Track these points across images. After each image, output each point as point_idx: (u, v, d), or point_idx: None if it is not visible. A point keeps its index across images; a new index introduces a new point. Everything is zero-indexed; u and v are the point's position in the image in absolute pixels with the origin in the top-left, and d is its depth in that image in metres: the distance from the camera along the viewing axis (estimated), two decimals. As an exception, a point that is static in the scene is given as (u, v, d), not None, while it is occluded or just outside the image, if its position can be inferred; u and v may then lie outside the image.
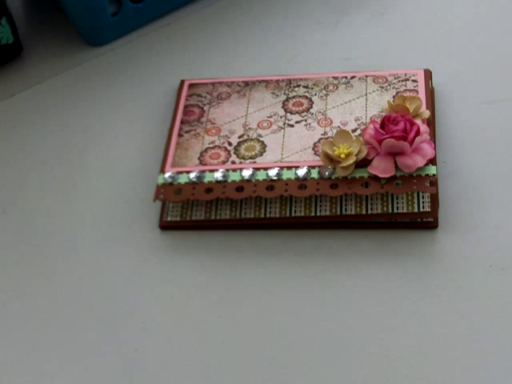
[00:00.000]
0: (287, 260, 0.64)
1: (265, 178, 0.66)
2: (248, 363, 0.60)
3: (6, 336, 0.63)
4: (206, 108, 0.72)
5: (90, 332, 0.62)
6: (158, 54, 0.81)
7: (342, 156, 0.64)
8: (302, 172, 0.65)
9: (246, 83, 0.74)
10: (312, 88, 0.72)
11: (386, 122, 0.64)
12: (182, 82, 0.76)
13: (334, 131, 0.68)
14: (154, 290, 0.64)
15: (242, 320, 0.62)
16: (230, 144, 0.69)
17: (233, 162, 0.67)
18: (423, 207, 0.64)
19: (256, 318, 0.62)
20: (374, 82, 0.71)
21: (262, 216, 0.66)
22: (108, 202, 0.70)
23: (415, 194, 0.64)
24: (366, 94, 0.70)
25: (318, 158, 0.66)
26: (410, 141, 0.63)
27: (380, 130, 0.64)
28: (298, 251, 0.65)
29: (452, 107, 0.72)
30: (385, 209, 0.64)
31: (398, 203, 0.64)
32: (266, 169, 0.66)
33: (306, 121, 0.69)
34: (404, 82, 0.70)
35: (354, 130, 0.67)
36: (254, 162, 0.67)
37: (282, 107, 0.71)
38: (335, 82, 0.72)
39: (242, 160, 0.67)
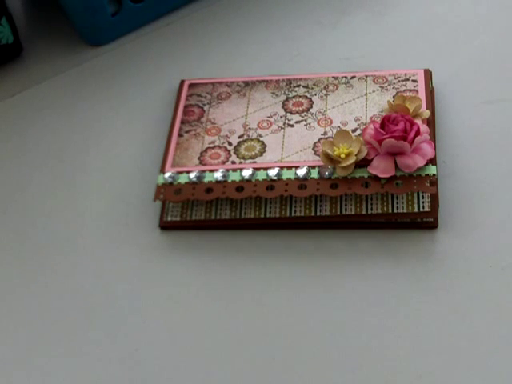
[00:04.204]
0: (287, 260, 0.64)
1: (265, 178, 0.66)
2: (248, 363, 0.60)
3: (6, 336, 0.63)
4: (205, 108, 0.73)
5: (90, 332, 0.62)
6: (158, 54, 0.81)
7: (342, 156, 0.64)
8: (301, 172, 0.65)
9: (246, 83, 0.74)
10: (312, 88, 0.72)
11: (386, 122, 0.64)
12: (182, 81, 0.76)
13: (334, 131, 0.68)
14: (154, 289, 0.64)
15: (242, 320, 0.62)
16: (230, 144, 0.69)
17: (233, 162, 0.67)
18: (423, 207, 0.64)
19: (256, 317, 0.62)
20: (373, 81, 0.71)
21: (262, 216, 0.66)
22: (108, 202, 0.70)
23: (415, 194, 0.65)
24: (366, 94, 0.70)
25: (318, 158, 0.66)
26: (410, 141, 0.63)
27: (380, 129, 0.64)
28: (298, 251, 0.65)
29: (452, 107, 0.72)
30: (385, 209, 0.64)
31: (398, 203, 0.64)
32: (265, 169, 0.66)
33: (305, 121, 0.69)
34: (404, 82, 0.70)
35: (354, 130, 0.67)
36: (254, 162, 0.67)
37: (282, 107, 0.71)
38: (335, 82, 0.72)
39: (241, 160, 0.67)
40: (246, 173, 0.66)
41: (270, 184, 0.65)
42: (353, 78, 0.72)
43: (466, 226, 0.64)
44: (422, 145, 0.64)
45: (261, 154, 0.68)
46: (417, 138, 0.64)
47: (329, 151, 0.65)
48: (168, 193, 0.66)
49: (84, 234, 0.68)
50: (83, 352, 0.61)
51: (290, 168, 0.66)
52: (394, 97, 0.69)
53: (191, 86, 0.75)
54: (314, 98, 0.71)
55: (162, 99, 0.77)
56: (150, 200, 0.69)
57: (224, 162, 0.68)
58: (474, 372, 0.57)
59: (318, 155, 0.66)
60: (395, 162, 0.64)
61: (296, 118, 0.70)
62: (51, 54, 0.83)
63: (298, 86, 0.73)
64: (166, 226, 0.67)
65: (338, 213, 0.65)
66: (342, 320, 0.61)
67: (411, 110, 0.66)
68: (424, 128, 0.65)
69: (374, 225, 0.65)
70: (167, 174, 0.67)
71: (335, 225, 0.66)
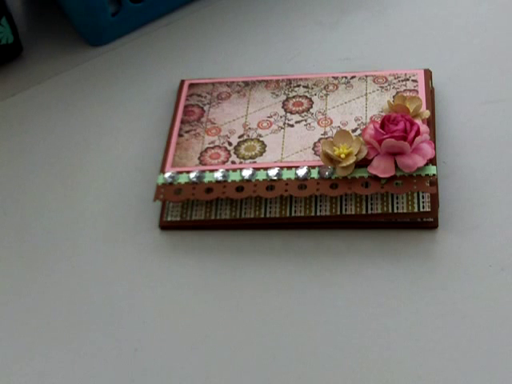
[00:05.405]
0: (287, 260, 0.64)
1: (265, 178, 0.66)
2: (248, 363, 0.60)
3: (6, 336, 0.63)
4: (205, 108, 0.73)
5: (90, 332, 0.62)
6: (158, 53, 0.81)
7: (342, 156, 0.64)
8: (301, 172, 0.65)
9: (246, 83, 0.74)
10: (312, 88, 0.72)
11: (386, 122, 0.64)
12: (182, 81, 0.76)
13: (334, 131, 0.68)
14: (154, 289, 0.64)
15: (242, 320, 0.62)
16: (230, 144, 0.69)
17: (233, 162, 0.67)
18: (423, 207, 0.64)
19: (256, 317, 0.62)
20: (374, 81, 0.71)
21: (262, 216, 0.66)
22: (108, 202, 0.70)
23: (415, 194, 0.65)
24: (366, 94, 0.70)
25: (318, 157, 0.66)
26: (410, 141, 0.63)
27: (380, 129, 0.64)
28: (298, 251, 0.65)
29: (452, 107, 0.72)
30: (385, 209, 0.64)
31: (397, 203, 0.64)
32: (266, 169, 0.66)
33: (306, 121, 0.69)
34: (404, 82, 0.70)
35: (354, 130, 0.67)
36: (254, 162, 0.67)
37: (282, 107, 0.71)
38: (335, 81, 0.72)
39: (242, 160, 0.67)
40: (246, 173, 0.66)
41: (270, 184, 0.65)
42: (353, 77, 0.72)
43: (466, 225, 0.64)
44: (422, 145, 0.64)
45: (261, 154, 0.68)
46: (417, 138, 0.64)
47: (329, 151, 0.65)
48: (168, 193, 0.66)
49: (84, 234, 0.68)
50: (83, 352, 0.61)
51: (290, 168, 0.66)
52: (394, 97, 0.69)
53: (191, 86, 0.75)
54: (314, 98, 0.71)
55: (161, 99, 0.77)
56: (150, 200, 0.69)
57: (224, 162, 0.68)
58: (474, 372, 0.57)
59: (318, 155, 0.66)
60: (395, 162, 0.64)
61: (296, 117, 0.70)
62: (51, 54, 0.83)
63: (298, 85, 0.73)
64: (165, 226, 0.67)
65: (338, 213, 0.65)
66: (342, 320, 0.61)
67: (411, 110, 0.66)
68: (424, 128, 0.65)
69: (374, 225, 0.65)
70: (167, 174, 0.67)
71: (335, 225, 0.66)
